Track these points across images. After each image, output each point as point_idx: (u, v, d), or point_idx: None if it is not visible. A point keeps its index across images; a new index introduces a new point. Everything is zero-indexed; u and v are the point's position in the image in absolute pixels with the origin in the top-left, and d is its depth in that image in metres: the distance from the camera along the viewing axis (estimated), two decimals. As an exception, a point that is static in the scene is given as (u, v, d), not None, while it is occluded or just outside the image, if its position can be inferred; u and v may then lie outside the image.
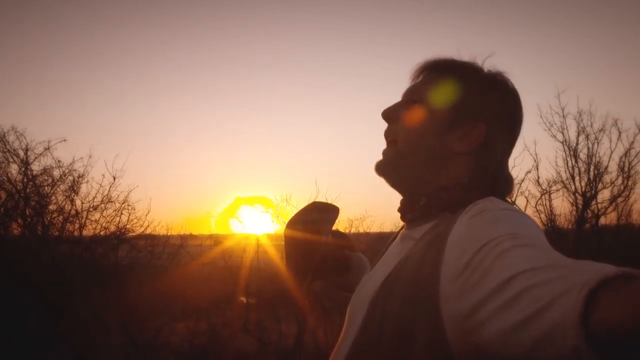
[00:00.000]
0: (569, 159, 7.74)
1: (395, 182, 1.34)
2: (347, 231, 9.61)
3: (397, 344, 1.08)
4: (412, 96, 1.35)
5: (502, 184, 1.31)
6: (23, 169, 7.28)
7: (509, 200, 1.37)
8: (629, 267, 0.79)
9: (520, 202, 7.76)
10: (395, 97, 1.40)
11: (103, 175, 7.43)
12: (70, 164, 7.45)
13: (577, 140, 7.74)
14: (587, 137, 7.70)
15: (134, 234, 7.73)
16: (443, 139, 1.28)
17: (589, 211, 7.74)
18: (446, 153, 1.28)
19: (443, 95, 1.30)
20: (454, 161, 1.27)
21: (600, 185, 7.71)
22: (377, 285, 1.24)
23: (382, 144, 1.38)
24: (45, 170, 7.43)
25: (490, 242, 0.99)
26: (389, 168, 1.34)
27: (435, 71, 1.36)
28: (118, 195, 7.55)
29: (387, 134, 1.37)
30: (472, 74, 1.33)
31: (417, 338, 1.03)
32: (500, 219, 1.07)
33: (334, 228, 1.60)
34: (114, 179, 7.45)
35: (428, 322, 1.02)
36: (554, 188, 7.78)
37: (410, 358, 1.04)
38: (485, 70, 1.35)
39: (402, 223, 1.37)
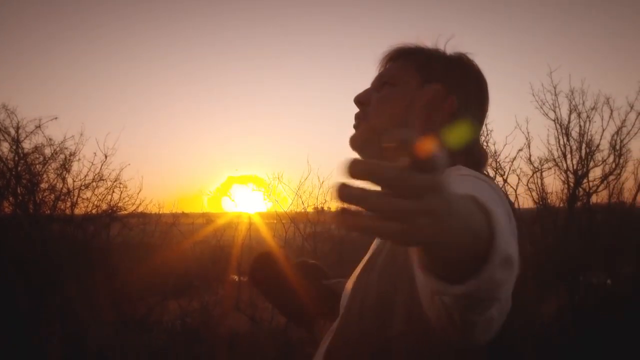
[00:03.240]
0: (560, 137, 7.73)
1: (369, 156, 1.33)
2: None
3: (377, 318, 1.08)
4: (381, 80, 1.40)
5: (474, 157, 1.32)
6: (14, 147, 7.24)
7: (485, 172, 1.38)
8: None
9: (512, 180, 7.76)
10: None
11: (95, 153, 7.40)
12: (62, 142, 7.41)
13: (569, 118, 7.72)
14: (579, 115, 7.68)
15: (125, 212, 7.71)
16: (415, 112, 1.29)
17: (580, 189, 7.74)
18: (418, 125, 1.29)
19: (411, 74, 1.34)
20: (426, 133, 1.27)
21: (591, 164, 7.70)
22: (361, 267, 1.25)
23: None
24: (37, 149, 7.39)
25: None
26: (362, 141, 1.35)
27: (401, 56, 1.39)
28: (110, 174, 7.53)
29: (358, 116, 1.39)
30: (436, 55, 1.40)
31: (396, 311, 1.02)
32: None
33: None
34: (106, 157, 7.42)
35: (405, 294, 1.01)
36: (545, 166, 7.77)
37: (390, 332, 1.03)
38: (449, 52, 1.43)
39: None
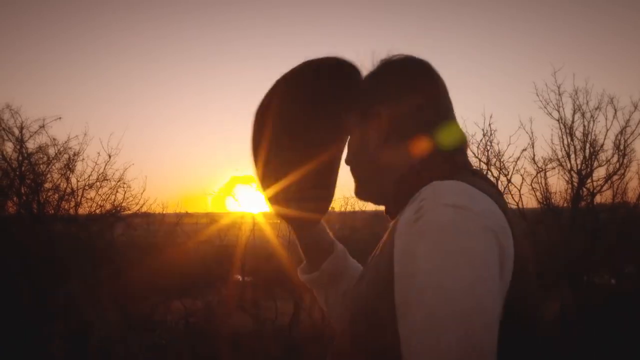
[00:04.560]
0: (564, 137, 7.72)
1: (374, 202, 1.37)
2: (342, 209, 9.59)
3: (369, 327, 1.07)
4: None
5: (444, 162, 1.23)
6: (18, 147, 7.25)
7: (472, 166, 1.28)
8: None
9: (516, 180, 7.76)
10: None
11: (98, 153, 7.42)
12: (66, 142, 7.42)
13: (573, 118, 7.71)
14: (582, 115, 7.68)
15: (129, 212, 7.72)
16: (368, 147, 1.28)
17: (584, 189, 7.73)
18: (378, 158, 1.27)
19: (350, 121, 1.33)
20: (389, 158, 1.25)
21: (595, 164, 7.69)
22: (358, 277, 1.26)
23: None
24: (41, 149, 7.40)
25: (403, 282, 0.96)
26: (361, 196, 1.37)
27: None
28: (113, 174, 7.53)
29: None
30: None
31: (386, 322, 1.01)
32: (420, 243, 0.96)
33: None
34: (110, 157, 7.43)
35: (390, 302, 1.00)
36: (549, 166, 7.77)
37: (384, 341, 1.01)
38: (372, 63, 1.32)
39: None
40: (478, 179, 1.11)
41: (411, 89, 1.26)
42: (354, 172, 1.35)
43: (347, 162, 1.37)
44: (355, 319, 1.12)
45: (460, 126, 1.30)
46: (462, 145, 1.28)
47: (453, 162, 1.20)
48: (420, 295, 0.91)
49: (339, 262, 1.53)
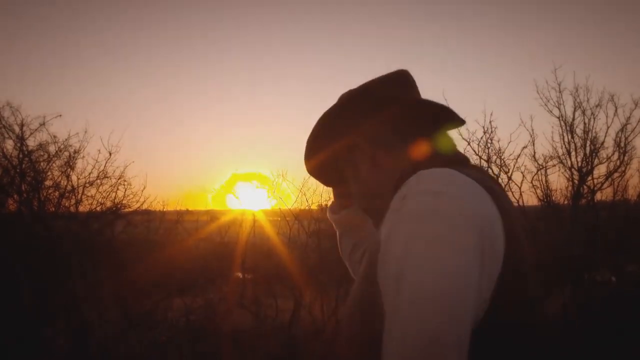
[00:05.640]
0: (565, 134, 7.72)
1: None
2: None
3: (363, 317, 1.08)
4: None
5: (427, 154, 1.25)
6: (18, 145, 7.24)
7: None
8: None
9: (517, 178, 7.76)
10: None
11: (99, 150, 7.41)
12: (66, 139, 7.42)
13: (574, 115, 7.72)
14: (583, 112, 7.68)
15: (130, 209, 7.72)
16: (362, 178, 1.32)
17: (585, 186, 7.74)
18: (375, 182, 1.30)
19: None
20: (382, 177, 1.28)
21: (596, 161, 7.69)
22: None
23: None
24: (41, 146, 7.40)
25: (380, 269, 0.98)
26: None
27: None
28: (114, 171, 7.53)
29: None
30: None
31: (377, 311, 1.01)
32: (397, 231, 0.98)
33: None
34: (110, 154, 7.43)
35: (377, 295, 1.00)
36: (550, 163, 7.77)
37: (374, 329, 1.01)
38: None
39: None
40: (474, 171, 1.11)
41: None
42: (368, 211, 1.40)
43: (360, 205, 1.42)
44: (353, 308, 1.13)
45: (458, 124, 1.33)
46: (452, 147, 1.29)
47: (447, 158, 1.21)
48: (389, 283, 0.93)
49: (353, 216, 1.64)
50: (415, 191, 1.00)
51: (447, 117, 1.28)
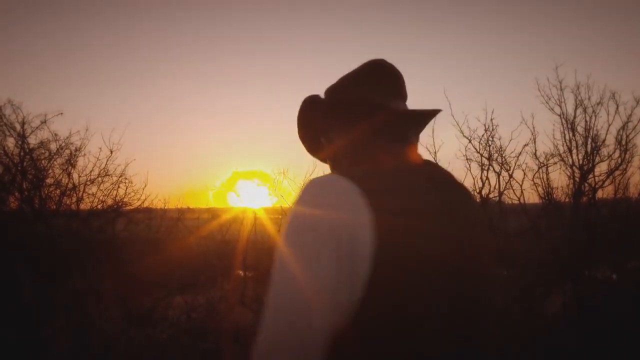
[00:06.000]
0: (566, 132, 7.71)
1: None
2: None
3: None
4: None
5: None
6: (19, 143, 7.26)
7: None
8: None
9: (518, 175, 7.74)
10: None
11: (100, 148, 7.43)
12: (67, 137, 7.44)
13: (575, 113, 7.70)
14: (584, 110, 7.66)
15: (131, 207, 7.73)
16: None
17: (586, 184, 7.73)
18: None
19: None
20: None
21: (597, 159, 7.68)
22: None
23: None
24: (42, 144, 7.41)
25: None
26: None
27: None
28: (115, 169, 7.56)
29: None
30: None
31: None
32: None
33: None
34: (111, 152, 7.44)
35: None
36: (551, 161, 7.75)
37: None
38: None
39: None
40: (372, 172, 1.19)
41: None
42: None
43: None
44: None
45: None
46: (375, 136, 1.36)
47: (355, 155, 1.29)
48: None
49: None
50: (294, 202, 1.13)
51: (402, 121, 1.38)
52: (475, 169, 7.63)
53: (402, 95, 1.45)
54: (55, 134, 7.41)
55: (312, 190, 1.11)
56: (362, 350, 1.00)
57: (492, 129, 7.49)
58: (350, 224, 1.03)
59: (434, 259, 1.05)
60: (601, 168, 7.79)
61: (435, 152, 7.51)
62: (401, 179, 1.19)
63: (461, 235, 1.12)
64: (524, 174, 7.77)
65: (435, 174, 1.25)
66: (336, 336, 1.01)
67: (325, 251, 1.01)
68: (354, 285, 1.00)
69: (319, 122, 1.49)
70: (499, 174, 7.54)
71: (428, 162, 1.33)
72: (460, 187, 1.28)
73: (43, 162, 7.44)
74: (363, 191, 1.07)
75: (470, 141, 7.53)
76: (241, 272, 8.40)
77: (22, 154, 7.24)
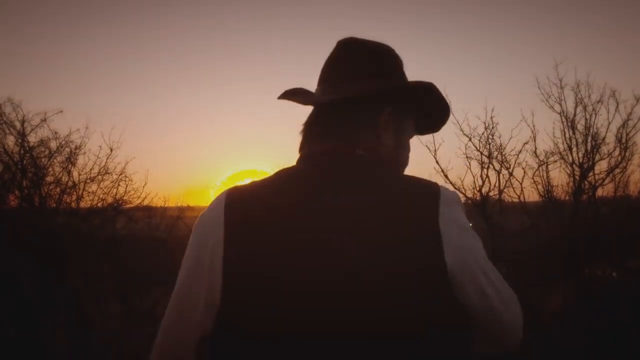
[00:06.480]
0: (566, 130, 7.70)
1: None
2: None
3: None
4: None
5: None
6: (20, 141, 7.26)
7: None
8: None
9: (518, 174, 7.74)
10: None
11: (100, 146, 7.42)
12: (67, 135, 7.43)
13: (575, 111, 7.70)
14: (584, 108, 7.66)
15: (131, 205, 7.72)
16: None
17: (586, 182, 7.72)
18: None
19: None
20: None
21: (597, 157, 7.67)
22: None
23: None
24: (42, 142, 7.41)
25: None
26: None
27: None
28: (115, 167, 7.54)
29: None
30: None
31: None
32: None
33: None
34: (111, 150, 7.43)
35: None
36: (551, 159, 7.74)
37: None
38: None
39: None
40: (253, 184, 1.16)
41: None
42: None
43: None
44: None
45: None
46: (302, 136, 1.27)
47: (299, 159, 1.23)
48: None
49: None
50: None
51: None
52: (475, 167, 7.62)
53: (362, 73, 1.27)
54: (55, 132, 7.41)
55: (220, 196, 1.15)
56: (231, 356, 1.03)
57: (492, 127, 7.49)
58: (206, 234, 1.09)
59: (285, 278, 1.01)
60: (601, 166, 7.79)
61: (435, 151, 7.52)
62: (275, 188, 1.13)
63: (326, 246, 1.03)
64: (524, 172, 7.77)
65: (337, 177, 1.12)
66: (207, 340, 1.05)
67: (191, 262, 1.10)
68: (213, 293, 1.04)
69: None
70: (499, 172, 7.54)
71: (346, 162, 1.16)
72: (368, 191, 1.10)
73: (43, 160, 7.44)
74: (225, 205, 1.10)
75: (470, 139, 7.54)
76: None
77: (22, 152, 7.25)
